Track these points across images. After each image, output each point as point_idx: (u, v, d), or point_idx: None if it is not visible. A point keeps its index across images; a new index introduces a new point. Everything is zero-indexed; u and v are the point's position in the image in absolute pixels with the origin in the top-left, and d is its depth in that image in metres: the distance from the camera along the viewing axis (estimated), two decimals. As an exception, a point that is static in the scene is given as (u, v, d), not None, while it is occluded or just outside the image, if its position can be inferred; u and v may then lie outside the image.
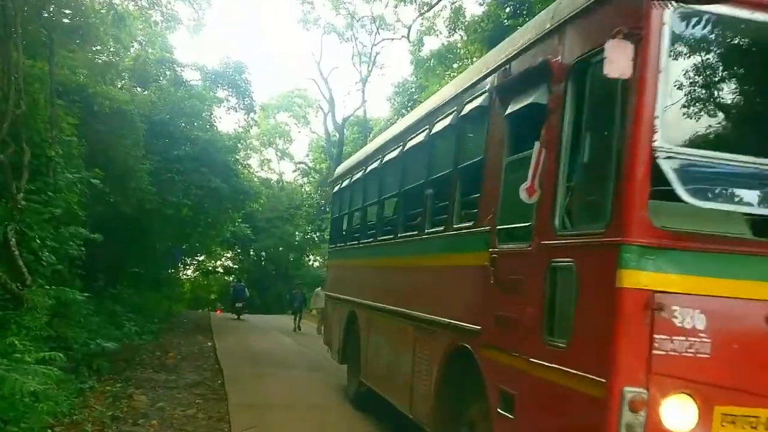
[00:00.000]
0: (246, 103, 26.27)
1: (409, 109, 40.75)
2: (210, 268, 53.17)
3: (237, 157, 23.46)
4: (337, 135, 36.67)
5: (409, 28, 33.12)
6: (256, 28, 72.50)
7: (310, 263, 50.09)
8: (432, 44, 41.37)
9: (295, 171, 50.16)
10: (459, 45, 29.94)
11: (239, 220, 32.26)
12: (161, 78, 22.61)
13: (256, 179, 32.66)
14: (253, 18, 75.22)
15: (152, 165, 17.94)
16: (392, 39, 36.42)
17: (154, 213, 18.74)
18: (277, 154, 50.86)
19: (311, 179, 44.50)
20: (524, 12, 23.70)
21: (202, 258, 51.37)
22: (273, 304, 43.93)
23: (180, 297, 49.54)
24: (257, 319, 28.84)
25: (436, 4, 30.48)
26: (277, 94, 50.25)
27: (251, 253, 48.97)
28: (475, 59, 27.48)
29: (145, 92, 20.81)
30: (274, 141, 50.18)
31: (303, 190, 46.38)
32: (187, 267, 50.41)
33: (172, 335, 18.65)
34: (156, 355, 13.95)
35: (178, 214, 20.47)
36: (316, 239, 47.60)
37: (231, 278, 51.10)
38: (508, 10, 25.19)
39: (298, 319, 24.06)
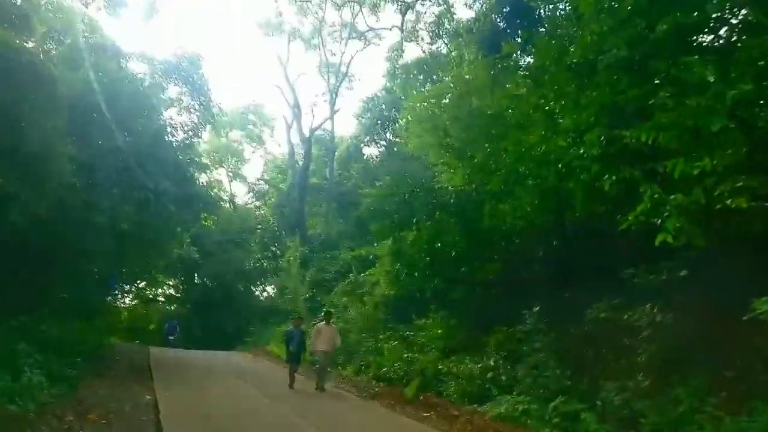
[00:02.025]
0: (202, 101, 21.35)
1: (378, 127, 37.01)
2: (150, 296, 47.15)
3: (193, 156, 18.31)
4: (302, 147, 31.93)
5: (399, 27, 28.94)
6: (210, 31, 66.73)
7: (258, 294, 44.82)
8: (412, 54, 37.36)
9: (249, 192, 45.10)
10: (446, 50, 26.27)
11: (188, 239, 27.06)
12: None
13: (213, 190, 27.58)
14: (207, 20, 69.00)
15: (83, 157, 13.03)
16: (364, 47, 32.24)
17: (79, 221, 13.72)
18: (228, 175, 45.68)
19: (267, 201, 39.60)
20: (523, 14, 20.28)
21: (142, 285, 45.82)
22: (218, 338, 38.43)
23: (115, 328, 44.12)
24: (205, 356, 23.53)
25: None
26: (230, 110, 45.38)
27: (196, 279, 43.33)
28: (466, 65, 24.05)
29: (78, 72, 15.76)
30: (226, 160, 45.04)
31: (258, 213, 41.28)
32: (126, 294, 44.70)
33: (99, 382, 13.49)
34: (65, 423, 8.90)
35: (113, 225, 15.42)
36: (266, 266, 42.46)
37: (173, 307, 45.86)
38: (506, 11, 21.65)
39: (294, 370, 16.02)
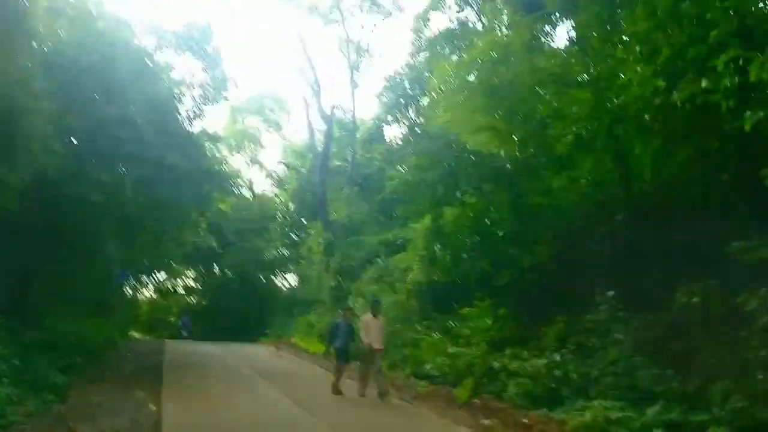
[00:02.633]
0: (215, 74, 19.03)
1: (401, 106, 34.53)
2: (171, 288, 45.33)
3: (206, 129, 15.92)
4: (323, 128, 29.47)
5: None
6: (222, 10, 63.47)
7: (279, 284, 42.75)
8: (438, 24, 34.82)
9: (267, 178, 42.86)
10: (477, 16, 23.77)
11: (203, 226, 24.93)
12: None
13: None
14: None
15: (71, 122, 10.82)
16: (385, 18, 29.74)
17: (72, 199, 11.55)
18: (246, 162, 43.48)
19: (286, 187, 37.28)
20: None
21: (161, 277, 43.93)
22: (240, 329, 36.42)
23: (134, 321, 42.46)
24: (225, 351, 21.38)
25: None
26: (247, 96, 43.27)
27: (216, 270, 41.35)
28: (505, 29, 21.55)
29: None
30: (244, 146, 42.83)
31: (277, 200, 39.02)
32: (144, 286, 42.88)
33: (96, 388, 11.35)
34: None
35: (114, 205, 13.24)
36: (287, 255, 40.29)
37: (193, 298, 44.65)
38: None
39: (341, 370, 13.01)
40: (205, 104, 16.17)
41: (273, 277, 42.06)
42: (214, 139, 15.19)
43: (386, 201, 28.88)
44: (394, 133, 35.55)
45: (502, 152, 13.82)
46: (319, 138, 30.52)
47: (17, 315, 15.80)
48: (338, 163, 31.66)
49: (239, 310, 37.81)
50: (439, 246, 15.19)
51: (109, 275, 21.64)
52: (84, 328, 18.88)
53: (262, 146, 44.13)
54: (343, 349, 13.03)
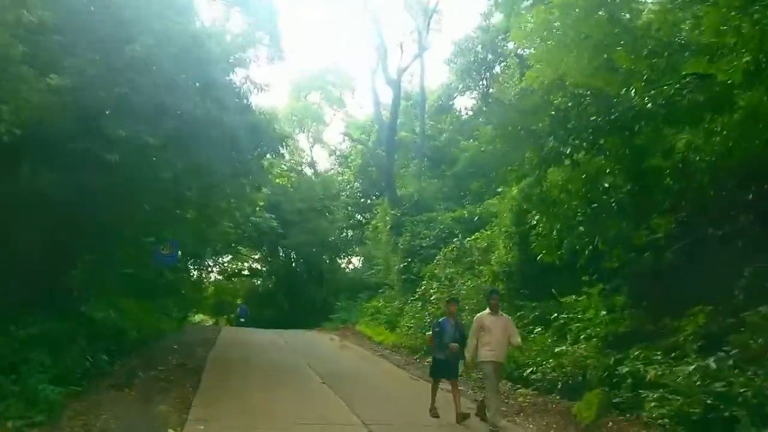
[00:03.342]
0: (269, 31, 16.05)
1: (473, 72, 31.12)
2: (236, 270, 43.65)
3: (249, 76, 12.82)
4: (389, 96, 26.31)
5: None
6: None
7: (344, 267, 40.13)
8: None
9: (331, 155, 40.20)
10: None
11: (261, 203, 22.39)
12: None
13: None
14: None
15: (72, 62, 8.11)
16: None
17: (87, 161, 8.93)
18: (309, 140, 40.94)
19: (350, 163, 34.41)
20: None
21: (227, 259, 42.13)
22: (303, 314, 34.08)
23: (199, 304, 41.01)
24: (283, 341, 18.73)
25: None
26: (308, 71, 40.67)
27: (281, 253, 39.14)
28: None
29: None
30: (306, 124, 40.27)
31: (341, 179, 36.24)
32: (208, 270, 41.25)
33: (106, 400, 8.73)
34: None
35: (144, 169, 10.58)
36: (351, 236, 37.61)
37: (258, 281, 42.96)
38: None
39: (439, 387, 9.27)
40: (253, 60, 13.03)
41: (337, 259, 39.56)
42: (260, 86, 12.12)
43: (458, 175, 25.71)
44: (463, 103, 32.22)
45: (621, 98, 10.37)
46: (385, 111, 27.30)
47: (52, 302, 13.65)
48: (405, 133, 28.50)
49: (303, 293, 35.48)
50: (539, 218, 11.86)
51: (155, 256, 19.33)
52: (126, 315, 16.67)
53: (325, 124, 41.54)
54: (447, 361, 8.92)
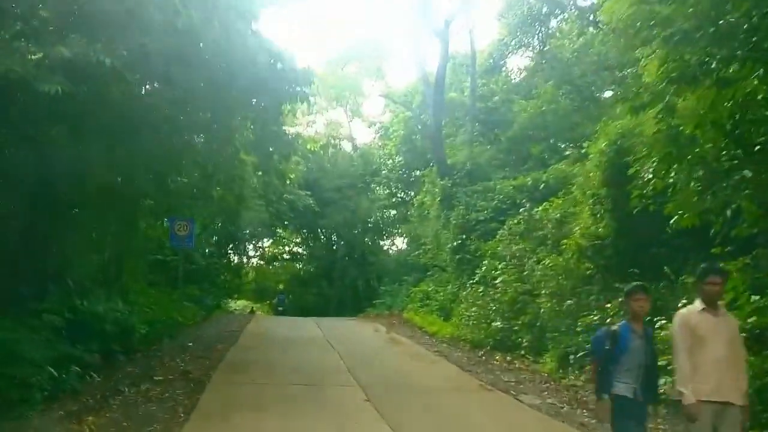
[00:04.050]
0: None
1: (527, 26, 27.30)
2: (277, 254, 41.14)
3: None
4: (437, 46, 22.60)
5: None
6: None
7: (387, 248, 36.86)
8: None
9: (370, 127, 36.85)
10: None
11: (292, 176, 19.39)
12: None
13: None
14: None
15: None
16: None
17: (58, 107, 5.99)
18: (347, 113, 37.67)
19: (393, 134, 30.97)
20: None
21: (268, 243, 39.47)
22: (346, 299, 31.15)
23: (237, 289, 38.70)
24: (321, 333, 15.61)
25: None
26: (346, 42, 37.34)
27: (321, 235, 36.23)
28: None
29: None
30: (344, 97, 36.97)
31: (382, 151, 32.82)
32: (249, 255, 38.86)
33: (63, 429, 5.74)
34: None
35: (129, 116, 7.54)
36: (394, 215, 34.33)
37: (299, 265, 40.38)
38: None
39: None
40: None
41: (379, 240, 36.34)
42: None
43: (515, 139, 22.12)
44: (516, 63, 28.44)
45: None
46: (430, 71, 23.67)
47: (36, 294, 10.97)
48: (453, 94, 24.90)
49: (345, 277, 32.57)
50: (658, 166, 8.34)
51: (171, 239, 16.52)
52: (140, 307, 13.90)
53: (363, 96, 38.19)
54: (635, 402, 4.84)
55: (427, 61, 25.18)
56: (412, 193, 30.34)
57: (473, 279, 15.76)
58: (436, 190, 20.54)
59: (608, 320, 10.06)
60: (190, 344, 12.66)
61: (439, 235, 20.30)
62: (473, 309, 14.17)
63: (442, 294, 18.85)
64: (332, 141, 34.71)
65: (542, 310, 11.98)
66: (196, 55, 7.48)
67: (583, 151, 17.55)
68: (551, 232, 14.15)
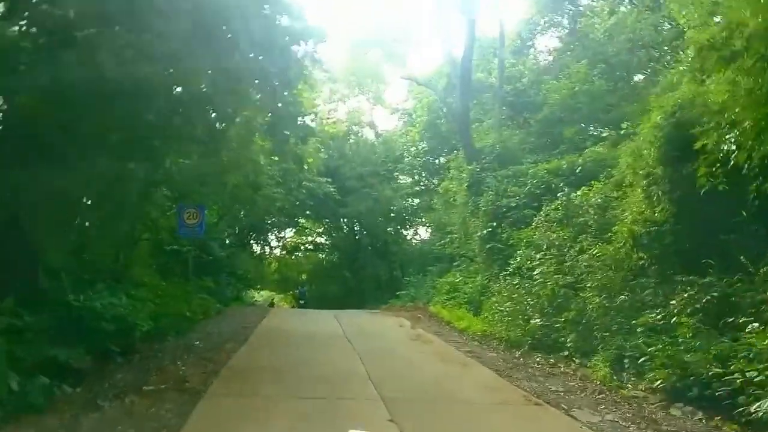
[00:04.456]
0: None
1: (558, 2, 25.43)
2: (299, 244, 39.97)
3: None
4: (463, 25, 20.96)
5: None
6: None
7: (410, 237, 35.25)
8: None
9: (393, 114, 35.22)
10: None
11: (310, 160, 17.99)
12: None
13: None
14: None
15: None
16: None
17: None
18: (369, 100, 36.08)
19: (416, 119, 29.32)
20: None
21: (291, 234, 38.39)
22: (372, 289, 29.72)
23: (260, 280, 37.71)
24: (342, 329, 14.20)
25: None
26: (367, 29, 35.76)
27: (343, 226, 34.83)
28: None
29: None
30: (366, 84, 35.38)
31: (405, 138, 31.20)
32: (271, 246, 37.70)
33: None
34: None
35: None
36: (417, 204, 32.79)
37: (322, 256, 39.58)
38: None
39: None
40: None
41: (402, 230, 34.75)
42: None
43: (547, 121, 20.43)
44: (545, 43, 26.59)
45: None
46: (456, 51, 22.05)
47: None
48: (480, 74, 23.19)
49: (367, 267, 31.17)
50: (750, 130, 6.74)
51: (179, 227, 15.23)
52: (144, 302, 12.63)
53: (385, 83, 36.57)
54: None
55: (453, 42, 23.57)
56: (436, 181, 28.81)
57: (506, 270, 14.19)
58: (463, 175, 18.96)
59: (674, 320, 8.52)
60: (197, 342, 11.35)
61: (466, 223, 18.74)
62: (507, 303, 12.61)
63: (471, 286, 17.33)
64: (354, 128, 33.17)
65: (589, 306, 10.41)
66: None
67: (622, 132, 16.25)
68: (593, 218, 12.56)
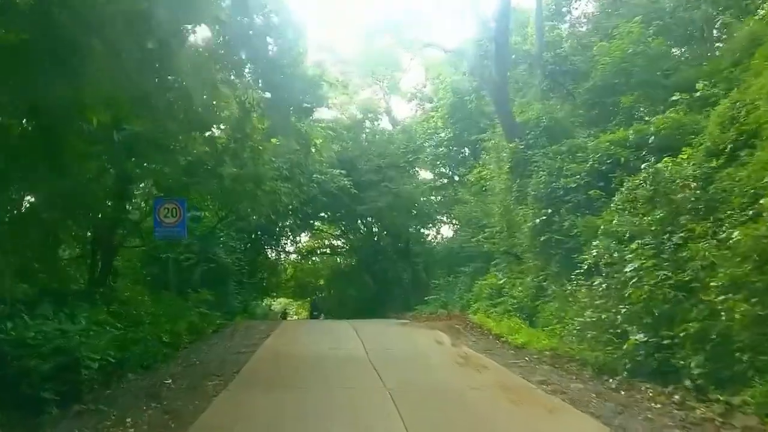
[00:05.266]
0: None
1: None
2: (315, 248, 36.80)
3: None
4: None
5: None
6: None
7: (432, 235, 31.67)
8: None
9: (411, 101, 31.87)
10: None
11: (318, 140, 14.79)
12: None
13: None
14: None
15: None
16: None
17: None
18: (384, 88, 32.77)
19: (440, 101, 25.83)
20: None
21: (306, 238, 35.24)
22: (394, 294, 26.27)
23: (275, 288, 34.94)
24: (363, 347, 10.90)
25: None
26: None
27: (361, 226, 31.47)
28: None
29: None
30: (380, 71, 32.07)
31: (426, 124, 27.68)
32: (287, 251, 34.57)
33: None
34: None
35: None
36: (440, 199, 29.41)
37: (339, 260, 35.92)
38: None
39: None
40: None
41: (423, 228, 31.15)
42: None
43: (597, 90, 16.96)
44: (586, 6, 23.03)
45: None
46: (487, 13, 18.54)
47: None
48: (516, 39, 19.66)
49: (389, 270, 27.73)
50: None
51: (156, 227, 12.04)
52: (103, 327, 9.48)
53: (401, 70, 33.31)
54: None
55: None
56: (462, 171, 25.50)
57: (576, 267, 10.76)
58: (504, 155, 15.56)
59: None
60: (168, 381, 8.10)
61: (509, 212, 15.32)
62: (587, 312, 9.20)
63: (520, 289, 13.94)
64: (369, 115, 29.79)
65: (723, 316, 7.01)
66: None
67: (697, 94, 12.99)
68: (694, 194, 9.14)
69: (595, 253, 10.02)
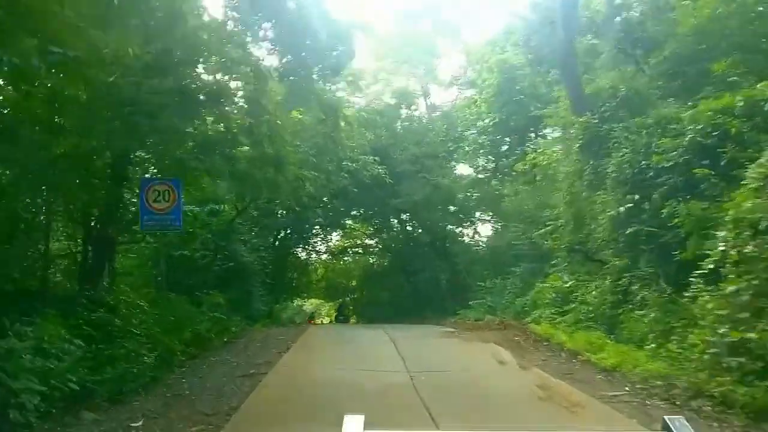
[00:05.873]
0: None
1: None
2: (347, 248, 34.55)
3: None
4: None
5: None
6: None
7: (468, 236, 28.73)
8: None
9: (450, 87, 29.14)
10: None
11: (347, 113, 12.32)
12: None
13: None
14: None
15: None
16: None
17: None
18: (420, 75, 30.08)
19: (484, 83, 23.06)
20: None
21: (337, 237, 33.12)
22: (430, 297, 23.59)
23: (306, 288, 33.09)
24: (414, 363, 8.37)
25: None
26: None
27: (395, 223, 28.93)
28: None
29: None
30: (415, 59, 29.42)
31: (470, 109, 24.82)
32: (316, 251, 32.39)
33: None
34: None
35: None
36: (474, 199, 26.56)
37: (372, 259, 33.80)
38: None
39: None
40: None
41: (462, 226, 28.30)
42: None
43: (678, 58, 14.10)
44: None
45: None
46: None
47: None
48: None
49: (425, 270, 25.08)
50: None
51: (143, 214, 9.71)
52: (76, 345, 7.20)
53: (437, 57, 30.67)
54: None
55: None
56: (504, 161, 22.77)
57: (683, 267, 8.04)
58: (572, 131, 12.86)
59: None
60: (137, 424, 5.70)
61: (579, 200, 12.58)
62: (723, 329, 6.48)
63: (595, 293, 11.22)
64: (404, 102, 27.20)
65: None
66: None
67: None
68: None
69: (720, 252, 7.27)
